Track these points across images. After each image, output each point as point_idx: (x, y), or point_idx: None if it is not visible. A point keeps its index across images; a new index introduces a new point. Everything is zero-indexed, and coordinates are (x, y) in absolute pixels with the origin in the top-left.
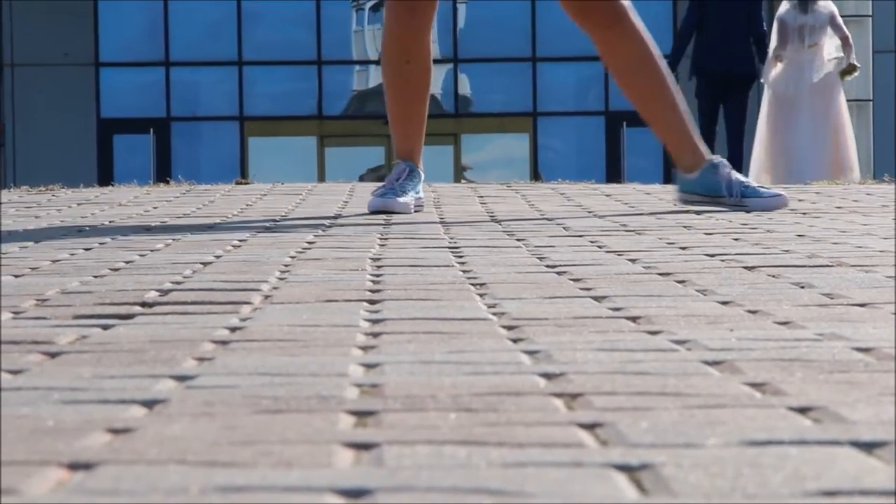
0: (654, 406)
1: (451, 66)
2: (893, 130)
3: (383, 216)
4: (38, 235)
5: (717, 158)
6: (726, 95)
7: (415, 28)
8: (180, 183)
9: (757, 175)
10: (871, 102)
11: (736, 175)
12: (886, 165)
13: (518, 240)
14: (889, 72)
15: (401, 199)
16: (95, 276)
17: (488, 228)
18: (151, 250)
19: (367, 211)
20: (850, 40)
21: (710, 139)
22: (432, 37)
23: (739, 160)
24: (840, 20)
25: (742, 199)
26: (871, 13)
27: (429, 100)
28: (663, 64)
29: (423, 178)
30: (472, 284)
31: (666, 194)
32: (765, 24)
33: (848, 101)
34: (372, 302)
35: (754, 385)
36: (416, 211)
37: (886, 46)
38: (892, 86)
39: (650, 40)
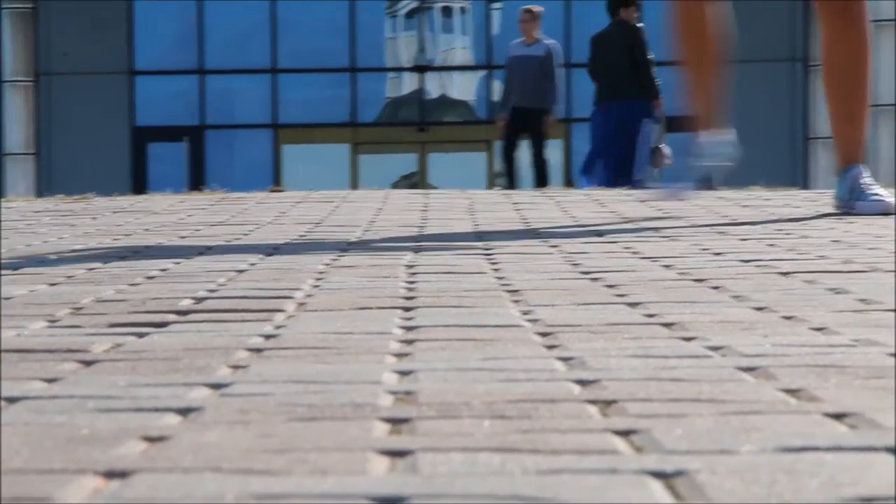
0: (688, 412)
1: (484, 72)
2: None
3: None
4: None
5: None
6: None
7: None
8: (214, 191)
9: None
10: None
11: (865, 180)
12: None
13: (552, 246)
14: None
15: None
16: (130, 285)
17: (522, 235)
18: (186, 258)
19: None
20: None
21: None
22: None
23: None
24: None
25: (854, 203)
26: None
27: (724, 68)
28: (870, 68)
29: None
30: (506, 291)
31: (699, 200)
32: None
33: (882, 105)
34: (406, 309)
35: (789, 391)
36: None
37: None
38: None
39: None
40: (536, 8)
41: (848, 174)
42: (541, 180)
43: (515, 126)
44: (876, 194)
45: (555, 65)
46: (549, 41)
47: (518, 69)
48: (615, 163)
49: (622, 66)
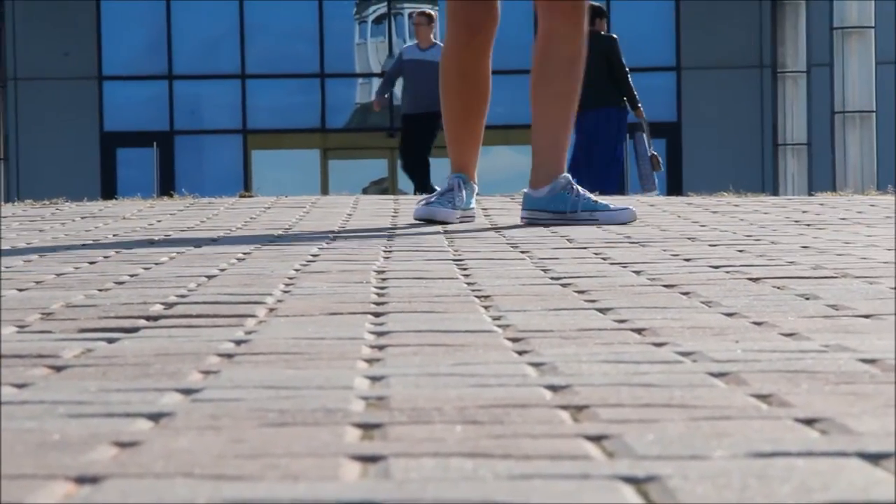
0: (660, 418)
1: None
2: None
3: (387, 229)
4: (41, 249)
5: (567, 175)
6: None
7: (475, 47)
8: (184, 196)
9: None
10: (873, 114)
11: (583, 191)
12: (889, 177)
13: (522, 252)
14: (891, 83)
15: (445, 210)
16: (100, 290)
17: (492, 240)
18: (156, 263)
19: (413, 218)
20: None
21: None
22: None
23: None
24: None
25: (593, 214)
26: (873, 24)
27: (485, 116)
28: (581, 77)
29: (475, 191)
30: (477, 296)
31: (670, 206)
32: None
33: (851, 112)
34: (377, 314)
35: (760, 397)
36: (462, 222)
37: (888, 58)
38: (895, 97)
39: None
40: (432, 12)
41: (562, 184)
42: (421, 181)
43: (412, 135)
44: (613, 204)
45: None
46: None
47: (414, 74)
48: (603, 169)
49: (601, 76)
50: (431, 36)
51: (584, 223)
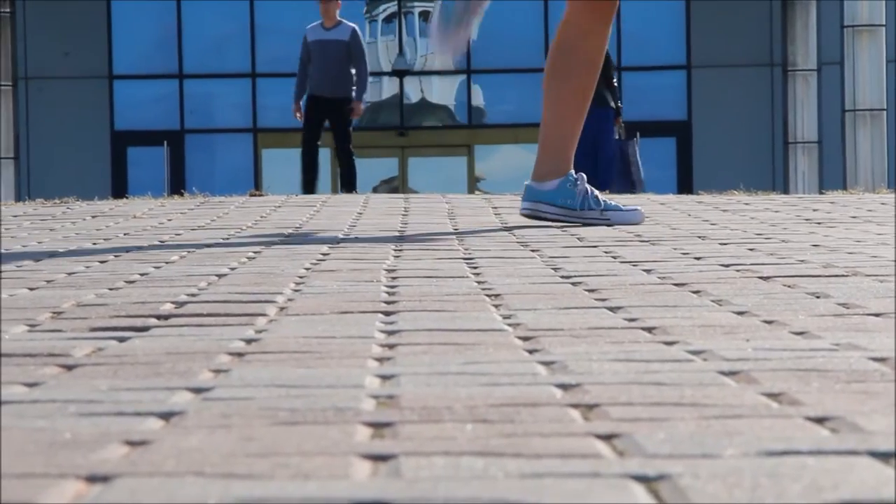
0: (670, 416)
1: (464, 77)
2: None
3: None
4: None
5: (575, 173)
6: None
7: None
8: (195, 195)
9: None
10: (884, 112)
11: (592, 190)
12: None
13: (532, 250)
14: None
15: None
16: (111, 289)
17: (502, 239)
18: (166, 262)
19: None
20: None
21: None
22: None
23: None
24: None
25: (604, 213)
26: (884, 22)
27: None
28: (597, 77)
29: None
30: (487, 295)
31: (681, 204)
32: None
33: (861, 110)
34: (387, 313)
35: (771, 395)
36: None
37: None
38: None
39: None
40: None
41: (572, 180)
42: (348, 181)
43: (316, 117)
44: (625, 205)
45: (362, 49)
46: (351, 24)
47: (319, 55)
48: (600, 167)
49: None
50: (336, 14)
51: (596, 223)
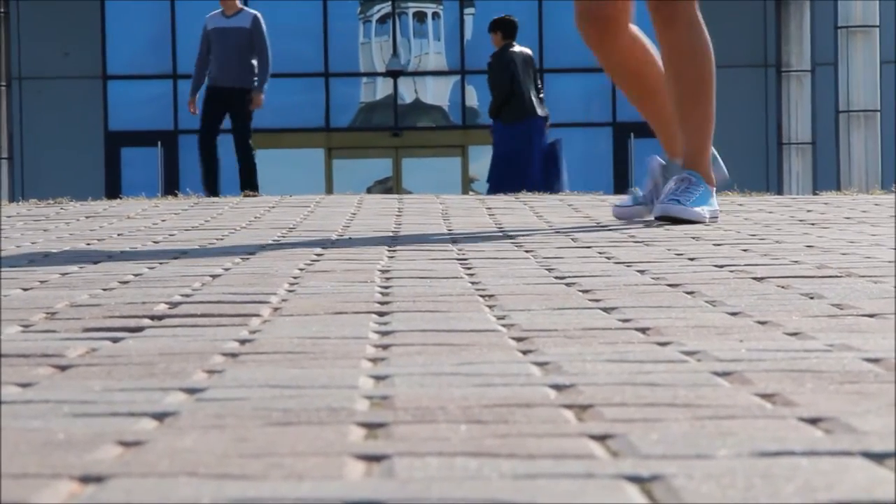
0: (664, 417)
1: (458, 77)
2: None
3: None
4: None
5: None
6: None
7: (606, 38)
8: (188, 195)
9: None
10: (878, 113)
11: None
12: (893, 175)
13: (526, 251)
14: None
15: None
16: (104, 289)
17: (496, 240)
18: (160, 263)
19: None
20: None
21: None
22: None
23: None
24: None
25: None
26: (878, 23)
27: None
28: (713, 64)
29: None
30: (481, 296)
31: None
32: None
33: (855, 111)
34: (381, 314)
35: (764, 396)
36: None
37: (893, 57)
38: None
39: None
40: None
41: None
42: (247, 179)
43: (215, 109)
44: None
45: (264, 37)
46: (253, 11)
47: (219, 43)
48: (538, 176)
49: (533, 87)
50: (237, 1)
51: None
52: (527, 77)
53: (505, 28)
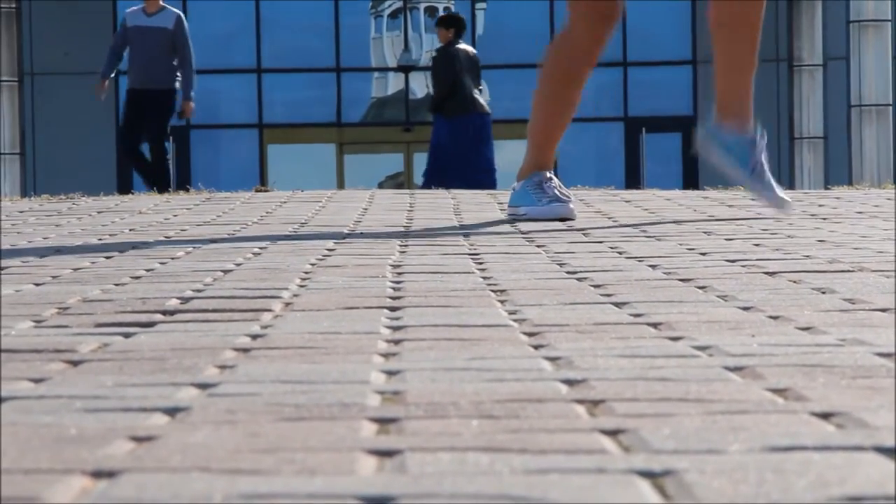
0: (676, 412)
1: None
2: None
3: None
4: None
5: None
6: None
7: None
8: (200, 191)
9: None
10: (890, 107)
11: (764, 160)
12: None
13: (538, 246)
14: None
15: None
16: (116, 285)
17: (508, 235)
18: (172, 258)
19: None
20: None
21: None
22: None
23: None
24: None
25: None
26: (890, 17)
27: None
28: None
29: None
30: (493, 291)
31: (686, 200)
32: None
33: (867, 105)
34: (393, 309)
35: (776, 391)
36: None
37: None
38: None
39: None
40: None
41: (755, 143)
42: (155, 180)
43: (136, 111)
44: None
45: (187, 38)
46: (176, 10)
47: (139, 43)
48: (480, 176)
49: (475, 84)
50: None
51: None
52: (470, 74)
53: (458, 25)
